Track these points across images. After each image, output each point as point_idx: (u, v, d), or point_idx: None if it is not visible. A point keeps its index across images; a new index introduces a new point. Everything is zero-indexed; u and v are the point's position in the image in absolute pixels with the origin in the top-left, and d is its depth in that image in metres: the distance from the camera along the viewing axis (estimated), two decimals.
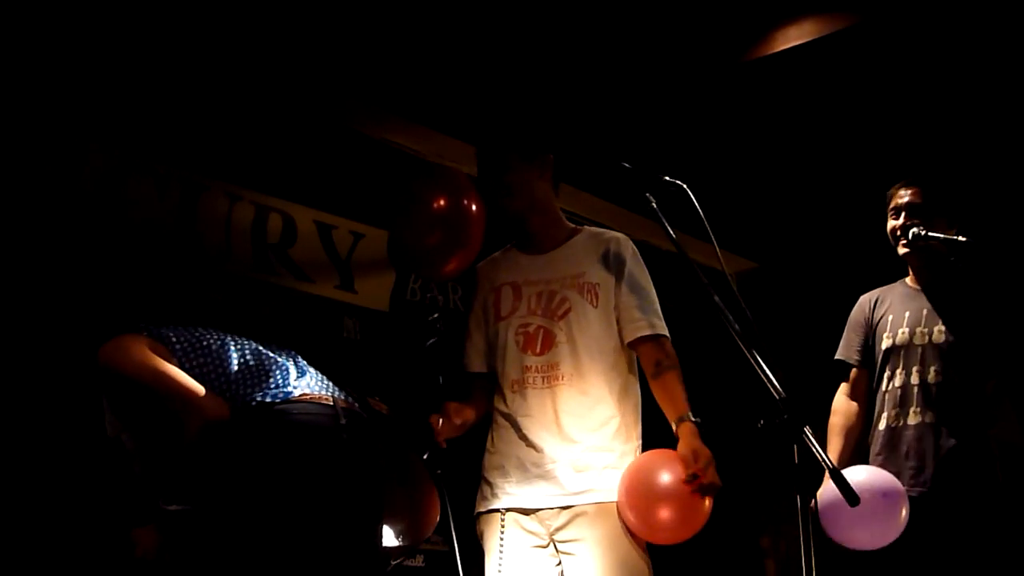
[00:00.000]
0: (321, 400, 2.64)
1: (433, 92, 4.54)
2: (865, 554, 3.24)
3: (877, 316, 3.64)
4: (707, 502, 2.70)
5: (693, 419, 2.77)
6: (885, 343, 3.56)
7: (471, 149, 4.82)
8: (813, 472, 3.20)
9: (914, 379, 3.46)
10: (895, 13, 4.07)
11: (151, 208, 3.98)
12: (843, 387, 3.68)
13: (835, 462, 3.52)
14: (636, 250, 3.02)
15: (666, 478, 2.68)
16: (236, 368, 2.64)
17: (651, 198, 2.66)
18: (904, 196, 3.57)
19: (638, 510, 2.71)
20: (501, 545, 2.79)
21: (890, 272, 3.80)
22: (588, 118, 4.76)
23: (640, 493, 2.72)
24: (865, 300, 3.72)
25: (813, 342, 4.06)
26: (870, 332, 3.64)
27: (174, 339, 2.65)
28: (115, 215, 3.86)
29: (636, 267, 2.97)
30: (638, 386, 2.97)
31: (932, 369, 3.44)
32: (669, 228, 2.59)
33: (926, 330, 3.49)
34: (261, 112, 4.31)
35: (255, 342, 2.76)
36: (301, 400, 2.61)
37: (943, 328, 3.47)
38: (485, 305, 3.03)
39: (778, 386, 2.24)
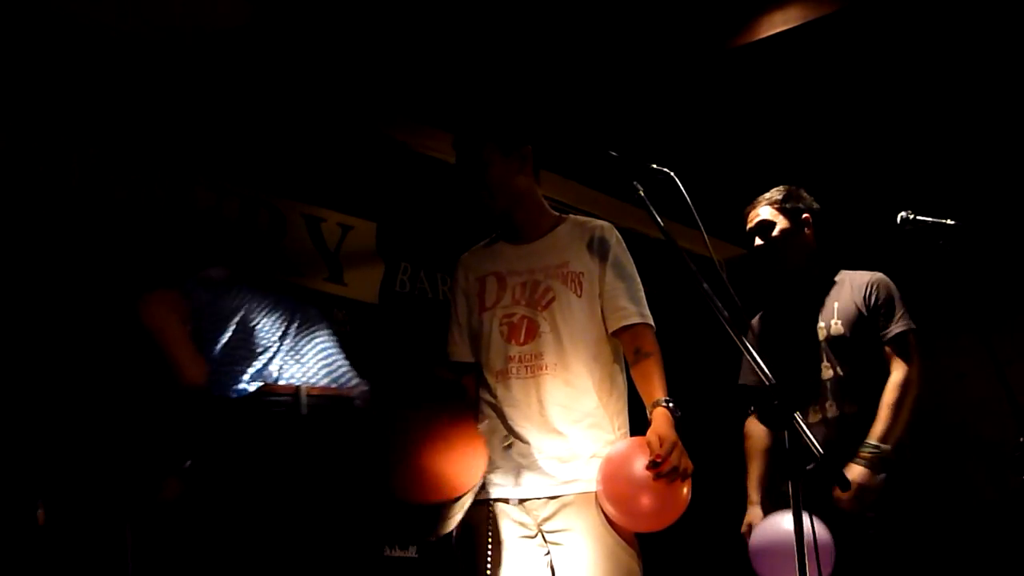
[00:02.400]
0: (280, 390, 2.68)
1: (419, 81, 4.53)
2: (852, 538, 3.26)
3: (761, 333, 3.63)
4: (684, 488, 2.68)
5: (666, 404, 2.76)
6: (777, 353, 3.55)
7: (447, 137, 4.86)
8: (805, 458, 3.21)
9: (824, 375, 3.46)
10: None
11: (139, 203, 3.97)
12: (751, 411, 3.65)
13: (755, 485, 3.55)
14: (620, 238, 3.01)
15: (639, 465, 2.66)
16: (219, 349, 2.70)
17: (638, 186, 2.65)
18: (759, 215, 3.57)
19: (615, 499, 2.71)
20: (490, 536, 2.79)
21: (878, 257, 3.80)
22: (574, 106, 4.75)
23: (615, 482, 2.71)
24: (755, 322, 3.69)
25: None
26: (760, 352, 3.59)
27: (193, 297, 2.94)
28: (104, 211, 3.85)
29: (621, 255, 2.97)
30: (623, 376, 2.96)
31: (838, 362, 3.44)
32: (657, 216, 2.58)
33: (823, 324, 3.49)
34: (247, 107, 4.29)
35: (265, 314, 2.90)
36: (263, 391, 2.66)
37: (838, 320, 3.47)
38: (468, 295, 3.02)
39: (767, 372, 2.23)
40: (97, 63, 3.86)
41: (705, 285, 2.44)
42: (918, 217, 3.40)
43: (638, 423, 2.93)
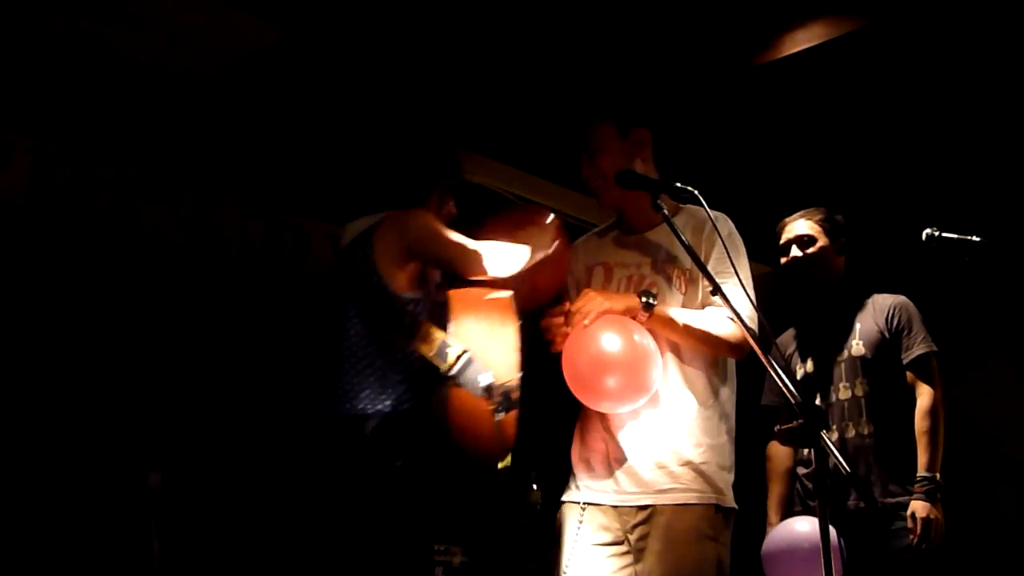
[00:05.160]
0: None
1: (445, 101, 4.54)
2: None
3: (789, 351, 3.64)
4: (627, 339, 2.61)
5: (645, 299, 2.68)
6: (799, 372, 3.56)
7: (481, 160, 4.87)
8: (832, 477, 3.20)
9: (843, 395, 3.45)
10: (903, 15, 4.06)
11: (163, 224, 4.00)
12: (774, 432, 3.63)
13: (775, 507, 3.55)
14: (734, 229, 2.85)
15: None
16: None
17: (662, 204, 2.65)
18: (800, 228, 3.61)
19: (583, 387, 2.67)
20: (576, 537, 2.71)
21: (904, 274, 3.78)
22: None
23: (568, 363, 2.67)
24: (782, 340, 3.70)
25: None
26: (787, 370, 3.58)
27: None
28: (127, 233, 3.89)
29: (735, 251, 2.76)
30: (729, 382, 2.84)
31: (858, 382, 3.44)
32: (680, 234, 2.58)
33: (845, 345, 3.50)
34: (271, 127, 4.32)
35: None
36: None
37: (860, 341, 3.48)
38: (578, 283, 2.94)
39: (794, 391, 2.22)
40: (123, 87, 3.90)
41: (730, 303, 2.44)
42: (944, 234, 3.37)
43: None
